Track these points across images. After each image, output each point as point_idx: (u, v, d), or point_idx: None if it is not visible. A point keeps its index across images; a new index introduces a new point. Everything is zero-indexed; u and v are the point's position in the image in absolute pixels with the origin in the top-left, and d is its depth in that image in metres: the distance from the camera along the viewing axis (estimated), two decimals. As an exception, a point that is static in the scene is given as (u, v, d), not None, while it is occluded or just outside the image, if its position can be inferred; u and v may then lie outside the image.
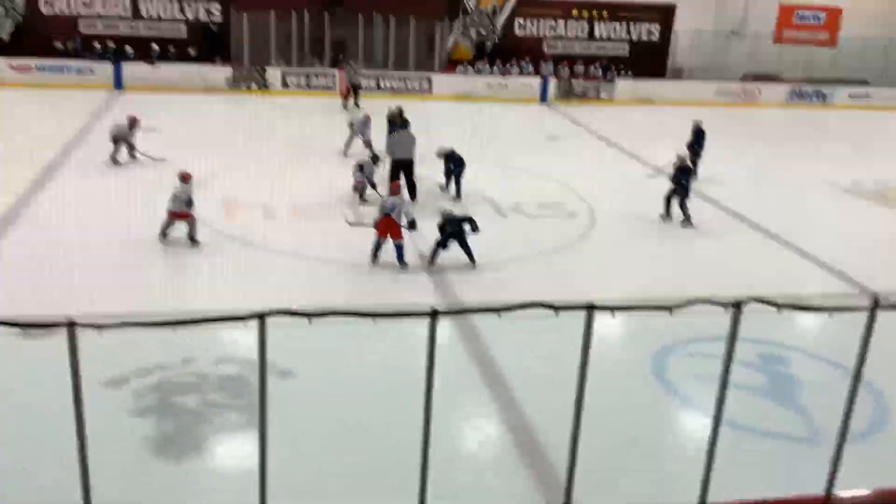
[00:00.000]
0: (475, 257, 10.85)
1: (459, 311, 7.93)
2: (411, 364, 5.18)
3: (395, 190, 11.48)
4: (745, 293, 4.06)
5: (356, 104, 22.07)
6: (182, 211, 11.10)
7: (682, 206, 13.29)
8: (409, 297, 9.53)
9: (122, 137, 15.11)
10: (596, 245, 12.40)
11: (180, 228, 11.24)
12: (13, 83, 22.06)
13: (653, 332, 8.97)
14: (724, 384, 3.93)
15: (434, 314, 5.01)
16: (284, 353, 7.50)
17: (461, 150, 14.26)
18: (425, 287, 10.36)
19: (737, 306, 3.72)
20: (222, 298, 9.24)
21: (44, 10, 24.33)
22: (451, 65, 27.40)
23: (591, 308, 4.56)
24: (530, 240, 12.43)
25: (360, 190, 13.71)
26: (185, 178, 11.40)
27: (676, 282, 10.66)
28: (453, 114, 17.22)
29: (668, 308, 3.83)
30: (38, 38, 23.75)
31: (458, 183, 14.13)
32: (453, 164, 14.05)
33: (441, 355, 4.53)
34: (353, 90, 22.77)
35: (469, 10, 27.53)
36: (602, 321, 3.97)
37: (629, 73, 28.06)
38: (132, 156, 15.33)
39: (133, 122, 15.30)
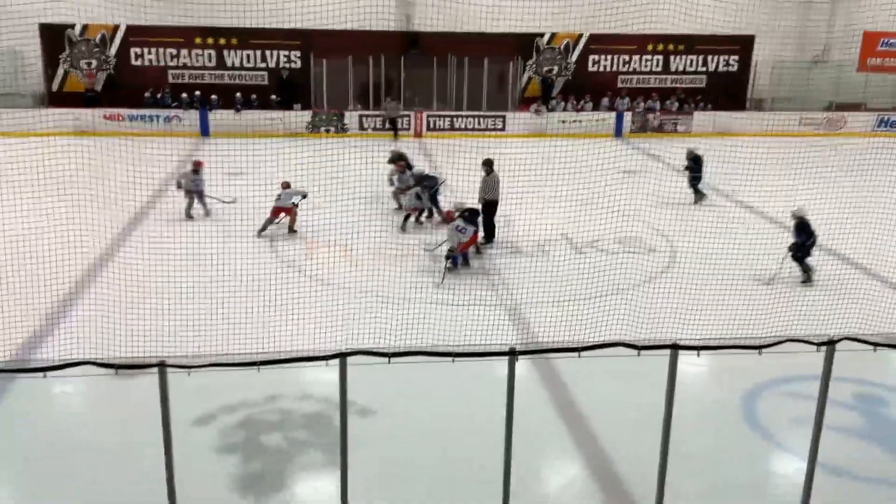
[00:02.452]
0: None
1: (538, 351, 7.87)
2: (491, 403, 5.14)
3: (450, 216, 13.25)
4: (839, 332, 3.90)
5: (395, 137, 23.87)
6: (285, 206, 14.29)
7: (801, 263, 12.71)
8: (487, 336, 9.50)
9: (191, 188, 15.67)
10: (677, 281, 12.12)
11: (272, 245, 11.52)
12: (106, 132, 23.21)
13: (741, 372, 8.67)
14: (818, 426, 3.76)
15: (513, 354, 4.99)
16: (365, 392, 7.59)
17: (536, 187, 14.26)
18: (503, 325, 10.32)
19: (830, 345, 3.57)
20: (305, 337, 9.40)
21: (134, 62, 25.67)
22: (524, 103, 27.56)
23: (675, 347, 4.45)
24: (609, 277, 12.26)
25: (416, 215, 15.42)
26: (285, 185, 14.50)
27: (763, 319, 10.30)
28: (527, 151, 17.30)
29: (758, 347, 3.71)
30: (129, 89, 25.05)
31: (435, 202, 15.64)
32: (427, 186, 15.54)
33: (520, 394, 4.49)
34: (391, 125, 24.88)
35: (541, 49, 27.71)
36: (687, 361, 3.86)
37: (707, 105, 27.63)
38: (203, 203, 15.82)
39: (197, 167, 15.81)
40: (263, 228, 14.38)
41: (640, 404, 7.24)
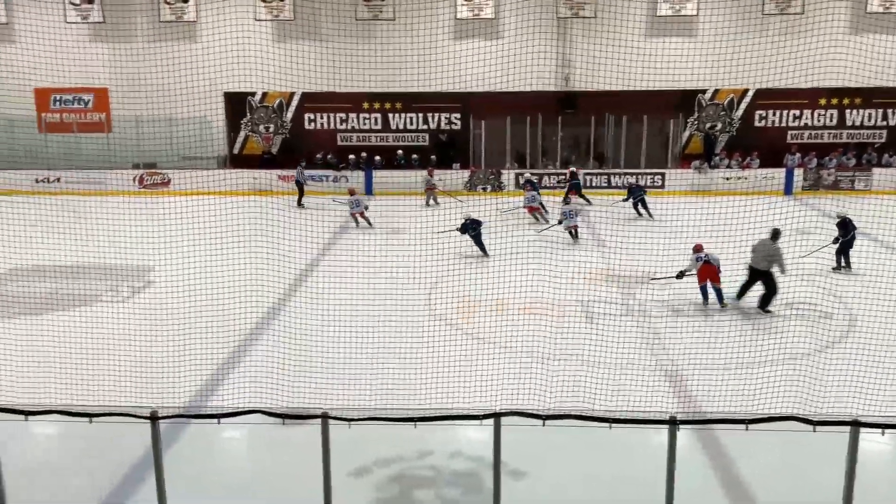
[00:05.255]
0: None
1: (702, 422, 7.44)
2: (648, 472, 4.93)
3: (698, 248, 13.81)
4: None
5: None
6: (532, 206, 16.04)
7: (842, 255, 11.62)
8: (647, 402, 9.15)
9: (354, 209, 19.69)
10: (857, 350, 11.18)
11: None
12: (280, 192, 24.82)
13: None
14: None
15: (674, 423, 4.78)
16: (517, 452, 7.49)
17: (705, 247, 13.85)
18: (664, 391, 9.91)
19: None
20: (458, 395, 9.45)
21: (308, 126, 27.45)
22: (684, 160, 26.84)
23: (856, 424, 4.10)
24: (780, 342, 11.51)
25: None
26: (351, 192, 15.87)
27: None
28: (689, 209, 16.78)
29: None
30: (302, 152, 26.78)
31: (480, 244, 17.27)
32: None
33: (680, 464, 4.28)
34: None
35: (704, 105, 27.00)
36: (870, 438, 3.53)
37: (890, 160, 25.71)
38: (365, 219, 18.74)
39: (353, 192, 17.44)
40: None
41: (815, 483, 6.68)
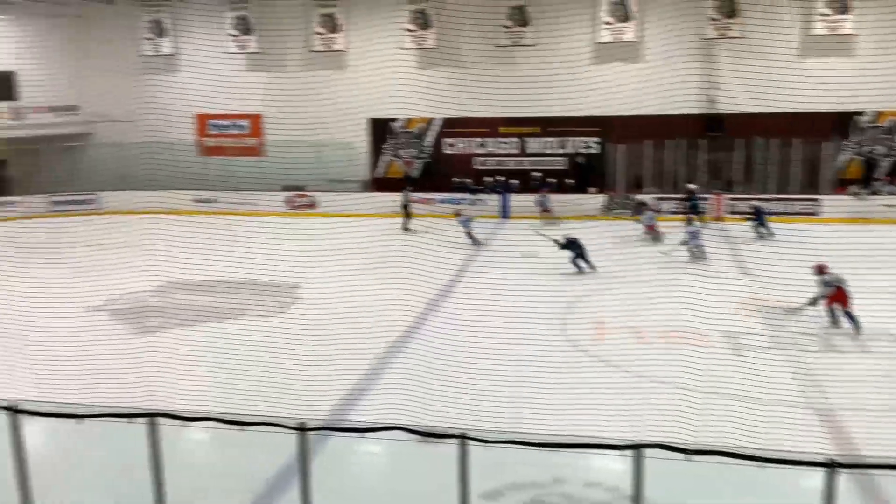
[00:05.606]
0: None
1: (865, 466, 6.87)
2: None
3: (822, 269, 13.32)
4: None
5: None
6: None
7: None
8: (798, 442, 8.62)
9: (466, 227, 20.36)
10: None
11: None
12: (418, 214, 25.33)
13: None
14: None
15: (833, 466, 4.47)
16: (658, 487, 7.24)
17: (857, 276, 12.94)
18: (818, 431, 9.30)
19: None
20: (594, 422, 9.26)
21: (447, 150, 27.99)
22: (840, 185, 25.25)
23: None
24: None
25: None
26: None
27: None
28: (846, 237, 15.79)
29: None
30: (441, 175, 27.32)
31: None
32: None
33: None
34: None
35: (863, 127, 25.35)
36: None
37: None
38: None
39: (459, 213, 19.14)
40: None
41: None
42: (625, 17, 25.68)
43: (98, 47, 28.13)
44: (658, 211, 22.57)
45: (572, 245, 17.89)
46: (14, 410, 5.52)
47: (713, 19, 24.91)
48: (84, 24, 28.13)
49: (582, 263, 17.71)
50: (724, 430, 9.03)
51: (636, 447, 4.75)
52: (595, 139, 26.84)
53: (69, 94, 28.20)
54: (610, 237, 22.33)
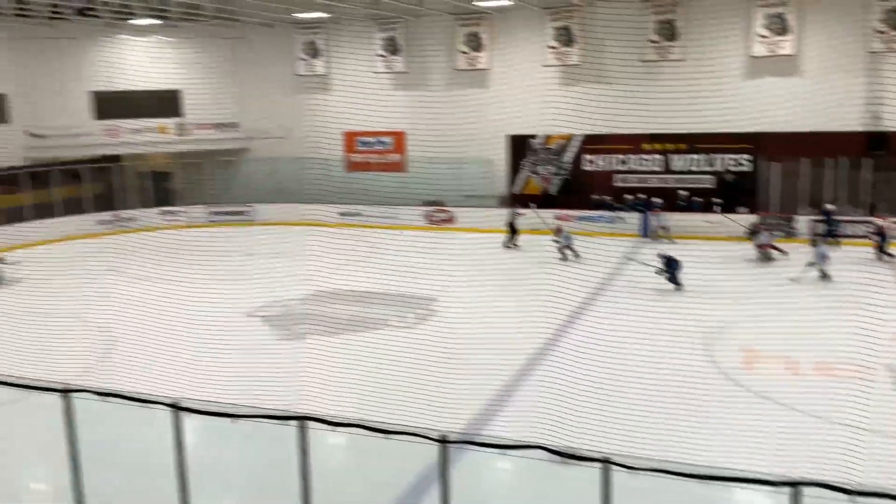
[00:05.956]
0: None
1: None
2: None
3: None
4: None
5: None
6: None
7: None
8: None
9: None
10: None
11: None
12: (539, 231, 25.10)
13: None
14: None
15: None
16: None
17: None
18: None
19: None
20: (743, 455, 8.79)
21: (586, 167, 27.61)
22: None
23: None
24: None
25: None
26: None
27: None
28: None
29: None
30: (580, 192, 26.96)
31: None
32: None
33: None
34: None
35: None
36: None
37: None
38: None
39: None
40: None
41: None
42: (782, 30, 24.45)
43: (257, 67, 29.90)
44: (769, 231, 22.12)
45: (669, 263, 17.83)
46: (176, 407, 5.89)
47: (879, 31, 23.29)
48: (244, 45, 29.97)
49: (675, 280, 17.70)
50: (891, 471, 8.35)
51: (794, 484, 4.46)
52: (746, 156, 25.67)
53: (230, 111, 30.08)
54: (754, 259, 21.28)
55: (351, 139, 30.03)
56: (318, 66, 29.84)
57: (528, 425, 8.86)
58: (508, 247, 23.64)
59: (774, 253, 21.22)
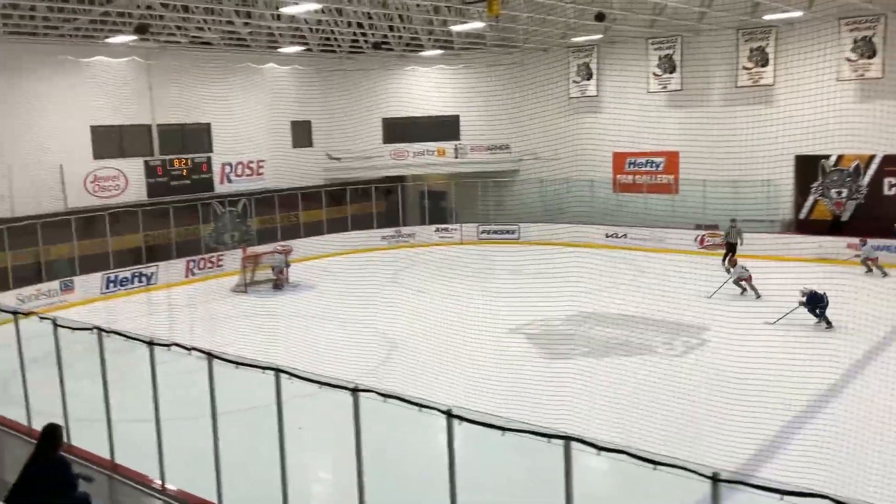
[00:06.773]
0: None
1: None
2: None
3: None
4: None
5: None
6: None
7: None
8: None
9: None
10: None
11: None
12: (847, 261, 22.66)
13: None
14: None
15: None
16: None
17: None
18: None
19: None
20: None
21: (888, 191, 24.59)
22: None
23: None
24: None
25: None
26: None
27: None
28: None
29: None
30: (877, 219, 24.01)
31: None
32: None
33: None
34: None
35: None
36: None
37: None
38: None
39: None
40: None
41: None
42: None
43: (531, 91, 30.74)
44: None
45: (813, 299, 16.23)
46: (449, 415, 6.19)
47: None
48: (520, 69, 30.98)
49: (822, 318, 16.21)
50: None
51: None
52: None
53: (503, 134, 31.26)
54: None
55: (621, 160, 29.69)
56: (590, 87, 29.96)
57: (808, 471, 8.11)
58: (730, 265, 21.42)
59: None
